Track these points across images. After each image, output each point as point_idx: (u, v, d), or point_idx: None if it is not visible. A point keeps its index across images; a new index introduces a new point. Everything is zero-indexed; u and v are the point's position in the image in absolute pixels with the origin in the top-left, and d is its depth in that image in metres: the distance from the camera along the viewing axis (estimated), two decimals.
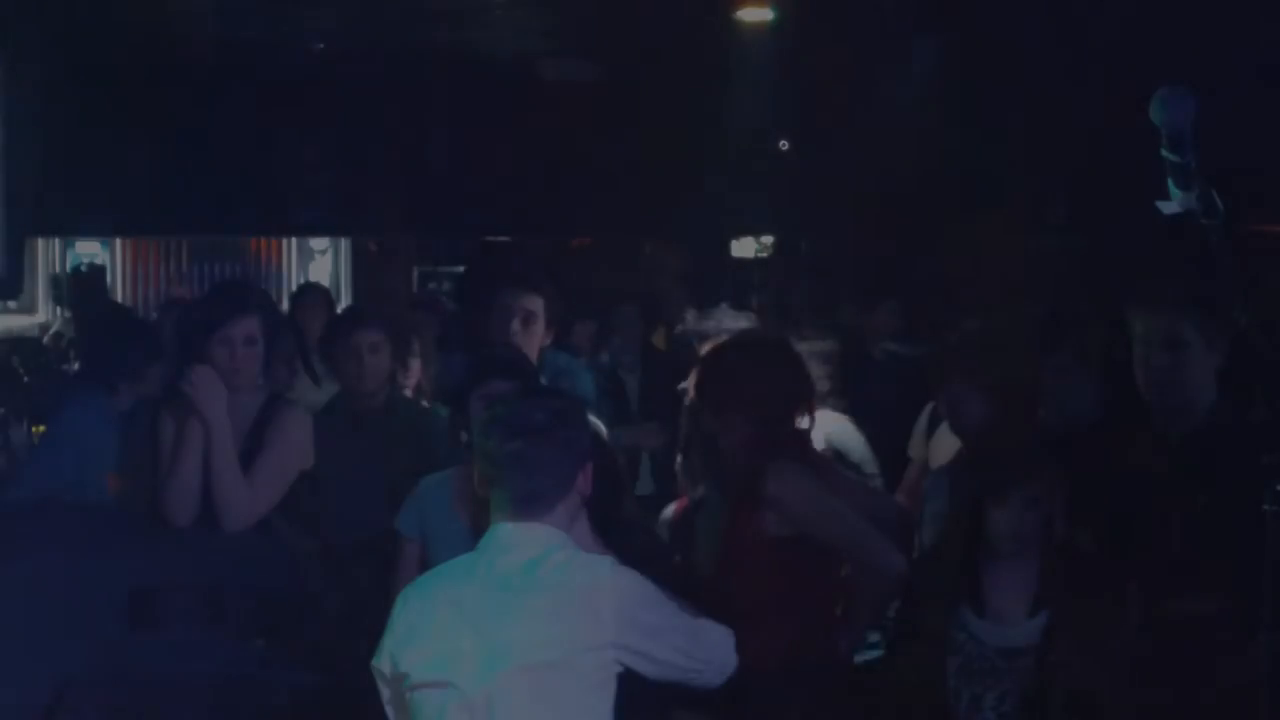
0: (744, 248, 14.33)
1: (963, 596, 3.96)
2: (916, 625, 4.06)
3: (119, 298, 12.94)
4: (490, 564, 3.41)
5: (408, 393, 6.06)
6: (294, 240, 14.13)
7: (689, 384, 4.59)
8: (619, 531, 3.88)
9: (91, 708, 4.20)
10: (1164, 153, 3.90)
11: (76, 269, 12.75)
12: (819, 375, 5.18)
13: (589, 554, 3.46)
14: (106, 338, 6.12)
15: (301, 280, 12.96)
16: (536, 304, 5.63)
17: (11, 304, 11.30)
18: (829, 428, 5.49)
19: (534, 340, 5.56)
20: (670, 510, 4.96)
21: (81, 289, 11.76)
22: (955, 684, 3.95)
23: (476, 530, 3.54)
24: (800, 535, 4.29)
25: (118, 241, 13.52)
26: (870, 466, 5.73)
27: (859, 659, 4.57)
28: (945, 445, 5.28)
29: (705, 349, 5.09)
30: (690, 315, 6.14)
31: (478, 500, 3.56)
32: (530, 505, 3.42)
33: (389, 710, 3.51)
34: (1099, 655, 3.82)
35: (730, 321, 5.92)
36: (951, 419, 4.85)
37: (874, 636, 4.68)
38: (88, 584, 4.32)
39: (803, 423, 4.51)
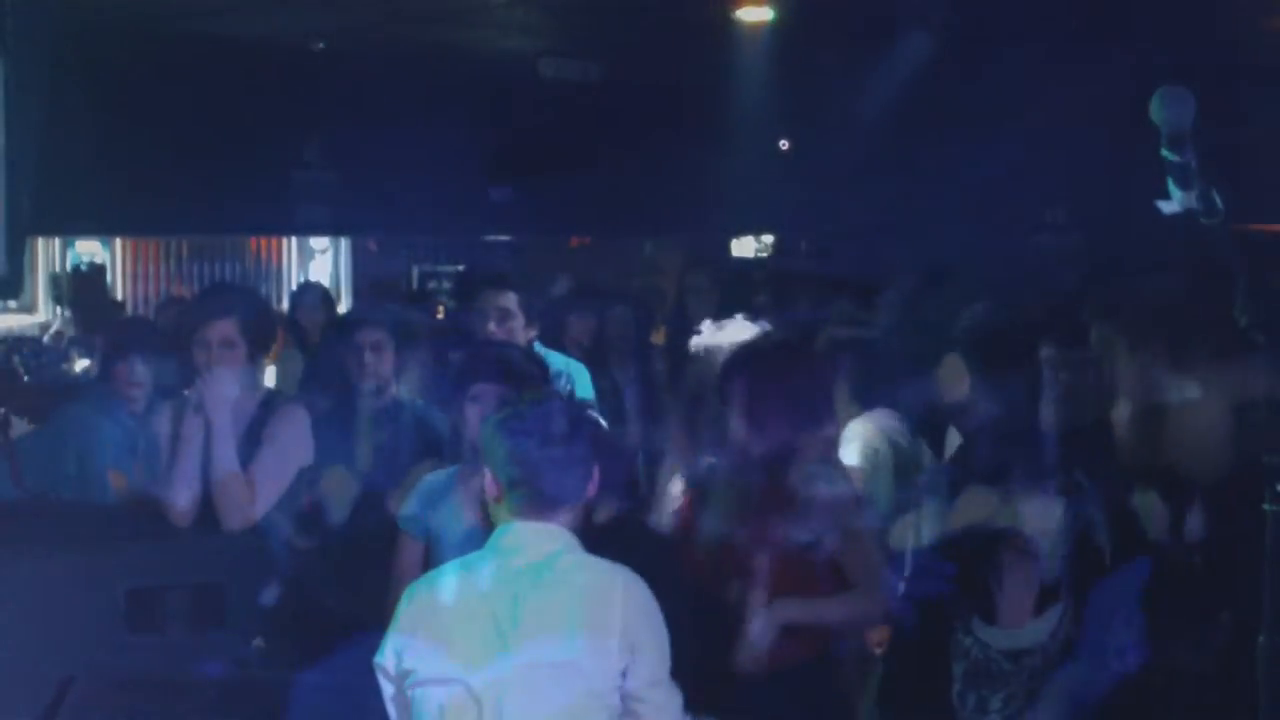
0: (744, 248, 14.33)
1: (972, 602, 3.94)
2: (920, 629, 4.05)
3: (119, 297, 12.92)
4: (501, 563, 3.42)
5: None
6: (294, 240, 14.12)
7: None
8: (631, 526, 3.91)
9: (92, 708, 4.20)
10: (1164, 152, 3.90)
11: (76, 268, 12.74)
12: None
13: (599, 559, 3.48)
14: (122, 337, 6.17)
15: (302, 280, 12.95)
16: (510, 301, 5.76)
17: (11, 304, 11.29)
18: (882, 423, 5.47)
19: (513, 337, 5.70)
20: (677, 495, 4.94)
21: (81, 289, 11.76)
22: (961, 687, 3.94)
23: (482, 528, 3.55)
24: (818, 542, 4.30)
25: (118, 241, 13.50)
26: (928, 460, 5.72)
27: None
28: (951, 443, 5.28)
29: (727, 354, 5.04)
30: (705, 327, 6.13)
31: (483, 499, 3.58)
32: (547, 507, 3.44)
33: (390, 708, 3.51)
34: (1182, 674, 3.82)
35: (745, 334, 5.92)
36: (957, 420, 4.84)
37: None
38: (88, 584, 4.32)
39: (830, 428, 4.52)
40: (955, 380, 5.20)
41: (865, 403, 5.51)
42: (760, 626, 4.19)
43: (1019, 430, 4.17)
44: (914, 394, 6.05)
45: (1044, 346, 4.90)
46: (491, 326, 5.77)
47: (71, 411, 5.89)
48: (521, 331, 5.80)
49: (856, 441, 5.31)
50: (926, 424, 5.97)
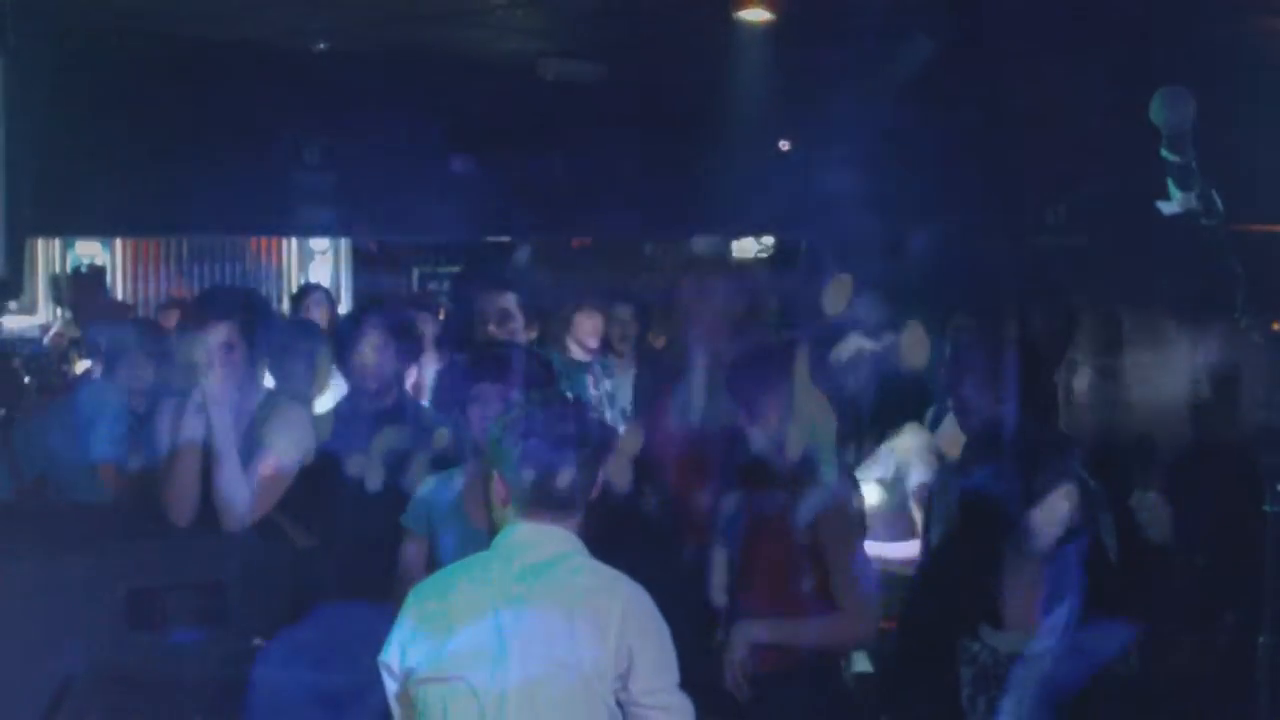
0: (744, 248, 14.32)
1: (977, 606, 3.93)
2: (926, 633, 4.05)
3: (119, 298, 12.91)
4: (507, 563, 3.43)
5: None
6: (294, 240, 14.11)
7: None
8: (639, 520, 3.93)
9: (92, 708, 4.20)
10: (1164, 153, 3.90)
11: (76, 270, 12.74)
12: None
13: (604, 565, 3.48)
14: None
15: (302, 280, 12.95)
16: (509, 302, 5.77)
17: (12, 305, 11.30)
18: (922, 440, 5.46)
19: (514, 338, 5.70)
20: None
21: (81, 290, 11.76)
22: (971, 691, 3.94)
23: (484, 528, 3.56)
24: (813, 550, 4.31)
25: (118, 242, 13.50)
26: None
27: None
28: (950, 441, 5.28)
29: (736, 353, 5.01)
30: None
31: (487, 499, 3.58)
32: (555, 509, 3.45)
33: (393, 706, 3.52)
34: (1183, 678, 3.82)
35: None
36: (961, 418, 4.84)
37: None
38: (87, 584, 4.32)
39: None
40: (916, 347, 5.22)
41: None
42: (733, 644, 4.23)
43: (1023, 431, 4.16)
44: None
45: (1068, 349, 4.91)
46: (491, 328, 5.78)
47: (72, 402, 5.90)
48: (522, 332, 5.81)
49: (917, 462, 5.31)
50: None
